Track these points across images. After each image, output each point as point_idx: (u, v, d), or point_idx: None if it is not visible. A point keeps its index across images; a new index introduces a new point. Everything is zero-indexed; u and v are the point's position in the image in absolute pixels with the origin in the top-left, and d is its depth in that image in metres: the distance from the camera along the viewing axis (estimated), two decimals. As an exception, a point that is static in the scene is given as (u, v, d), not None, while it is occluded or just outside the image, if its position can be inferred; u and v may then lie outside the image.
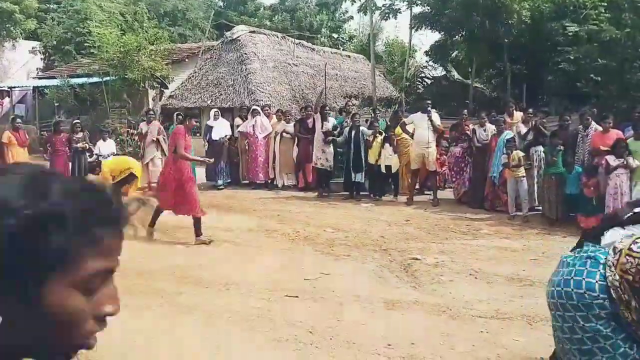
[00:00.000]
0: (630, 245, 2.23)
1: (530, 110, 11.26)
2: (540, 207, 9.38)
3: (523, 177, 9.22)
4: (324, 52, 23.54)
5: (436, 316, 4.89)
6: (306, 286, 5.71)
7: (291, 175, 12.94)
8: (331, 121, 12.31)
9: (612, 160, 8.21)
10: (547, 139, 9.52)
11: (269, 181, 13.03)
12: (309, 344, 4.24)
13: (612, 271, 2.22)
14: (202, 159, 9.85)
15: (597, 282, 2.23)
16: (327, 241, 7.76)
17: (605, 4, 16.47)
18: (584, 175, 8.54)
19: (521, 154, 9.30)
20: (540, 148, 9.46)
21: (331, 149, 12.05)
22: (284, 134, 12.74)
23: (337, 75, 22.14)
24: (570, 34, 16.21)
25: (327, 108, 13.37)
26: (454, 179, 11.24)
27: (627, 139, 8.72)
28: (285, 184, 12.91)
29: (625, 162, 8.13)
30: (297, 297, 5.35)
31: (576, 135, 9.50)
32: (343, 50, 28.72)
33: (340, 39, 36.87)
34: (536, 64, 18.47)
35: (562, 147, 9.14)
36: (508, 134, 9.70)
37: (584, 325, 2.21)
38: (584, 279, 2.25)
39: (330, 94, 20.21)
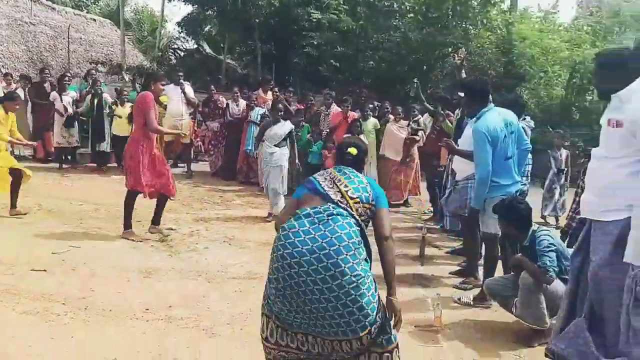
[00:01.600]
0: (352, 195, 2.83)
1: (276, 88, 12.01)
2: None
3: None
4: (66, 12, 21.60)
5: (193, 280, 5.08)
6: (54, 260, 5.40)
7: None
8: (70, 94, 11.44)
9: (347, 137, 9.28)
10: (292, 116, 10.30)
11: (2, 151, 11.67)
12: (62, 315, 4.07)
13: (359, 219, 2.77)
14: (178, 132, 8.42)
15: (352, 230, 2.67)
16: (75, 214, 7.37)
17: (344, -4, 18.12)
18: (324, 148, 9.50)
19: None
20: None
21: (75, 126, 11.30)
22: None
23: (81, 39, 20.56)
24: (314, 20, 17.50)
25: (69, 76, 12.21)
26: (211, 152, 11.45)
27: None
28: (22, 154, 11.70)
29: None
30: (44, 270, 5.04)
31: (320, 114, 10.47)
32: (87, 12, 26.66)
33: (84, 0, 34.07)
34: (284, 46, 19.48)
35: (305, 124, 10.05)
36: (261, 110, 10.23)
37: (352, 265, 2.59)
38: (350, 230, 2.66)
39: (74, 58, 18.79)
